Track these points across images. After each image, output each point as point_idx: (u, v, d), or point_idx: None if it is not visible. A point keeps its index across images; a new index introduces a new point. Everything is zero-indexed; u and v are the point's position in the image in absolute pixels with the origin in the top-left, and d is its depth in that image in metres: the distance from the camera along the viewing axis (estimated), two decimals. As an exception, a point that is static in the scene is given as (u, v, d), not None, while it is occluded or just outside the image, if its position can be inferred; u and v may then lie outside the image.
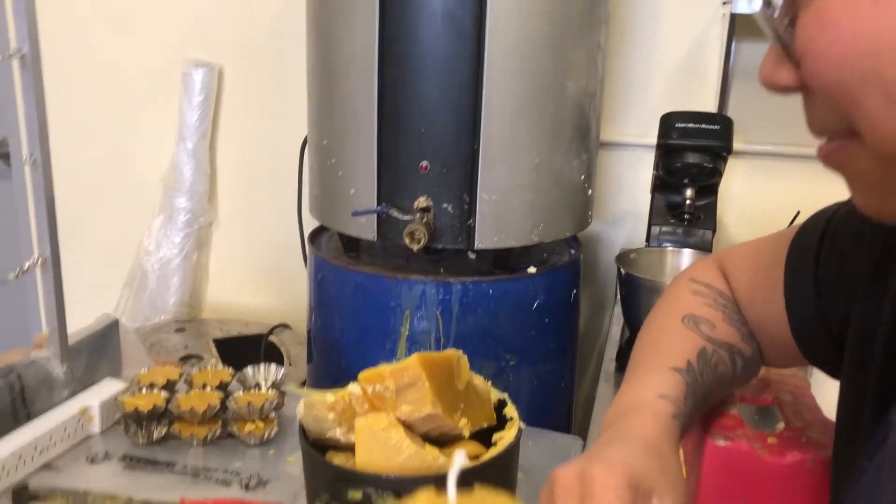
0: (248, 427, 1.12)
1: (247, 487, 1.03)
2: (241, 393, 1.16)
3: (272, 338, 1.99)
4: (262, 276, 2.19)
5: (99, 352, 1.25)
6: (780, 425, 0.57)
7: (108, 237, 2.18)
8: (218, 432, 1.13)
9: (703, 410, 0.60)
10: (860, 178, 0.43)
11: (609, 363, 1.48)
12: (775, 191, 1.78)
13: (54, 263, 1.10)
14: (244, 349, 1.82)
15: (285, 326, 2.06)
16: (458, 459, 0.42)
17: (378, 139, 1.35)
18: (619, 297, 1.60)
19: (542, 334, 1.51)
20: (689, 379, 0.59)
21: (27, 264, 1.07)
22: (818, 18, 0.39)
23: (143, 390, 1.15)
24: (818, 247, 0.61)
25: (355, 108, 1.37)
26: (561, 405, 1.61)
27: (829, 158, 0.45)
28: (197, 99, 1.99)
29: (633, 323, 1.48)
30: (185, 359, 1.39)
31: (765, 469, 0.53)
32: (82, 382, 1.19)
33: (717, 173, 1.53)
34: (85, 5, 2.10)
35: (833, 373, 0.58)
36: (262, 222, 2.14)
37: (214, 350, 1.89)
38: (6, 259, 2.43)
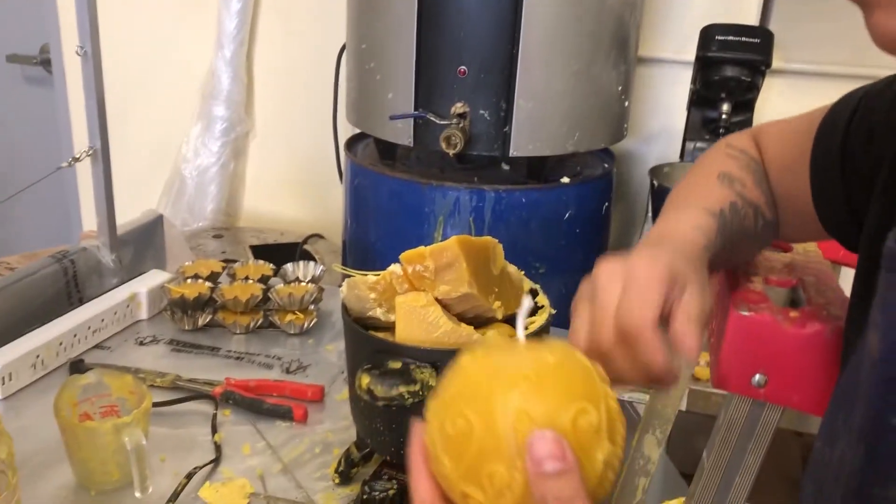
0: (289, 317, 1.18)
1: (287, 371, 1.09)
2: (281, 285, 1.21)
3: (306, 247, 2.03)
4: (298, 186, 2.23)
5: (145, 244, 1.30)
6: (803, 303, 0.60)
7: (147, 143, 2.22)
8: (260, 321, 1.18)
9: (729, 257, 0.64)
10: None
11: (637, 274, 1.51)
12: (811, 109, 1.77)
13: (104, 154, 1.14)
14: (279, 256, 1.87)
15: (319, 236, 2.10)
16: (527, 302, 0.47)
17: (417, 42, 1.36)
18: (650, 212, 1.62)
19: (572, 245, 1.54)
20: (720, 221, 0.62)
21: (80, 153, 1.11)
22: None
23: (189, 280, 1.20)
24: (848, 122, 0.63)
25: (395, 12, 1.37)
26: (588, 315, 1.65)
27: None
28: (235, 7, 2.00)
29: (663, 235, 1.49)
30: (224, 262, 1.45)
31: (785, 339, 0.56)
32: (130, 272, 1.25)
33: (754, 88, 1.52)
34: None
35: (852, 248, 0.60)
36: (298, 132, 2.16)
37: (251, 255, 1.95)
38: (46, 165, 2.49)
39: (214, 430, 0.94)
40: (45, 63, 2.40)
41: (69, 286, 1.15)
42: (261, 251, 2.01)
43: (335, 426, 0.97)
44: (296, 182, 2.23)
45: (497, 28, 1.32)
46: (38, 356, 1.02)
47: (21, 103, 2.53)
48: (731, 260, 0.67)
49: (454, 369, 0.46)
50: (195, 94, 2.10)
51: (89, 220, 2.42)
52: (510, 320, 0.85)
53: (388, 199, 1.53)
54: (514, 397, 0.42)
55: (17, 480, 0.72)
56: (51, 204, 2.44)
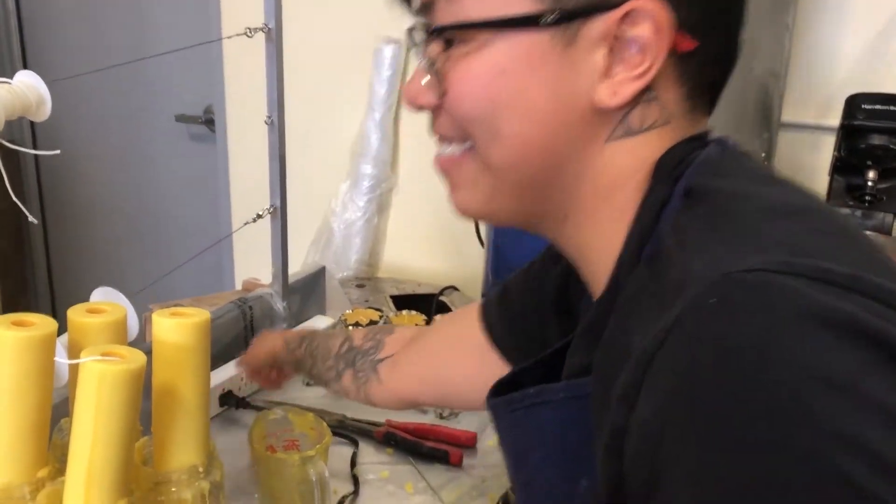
0: (441, 366, 1.25)
1: (441, 416, 1.16)
2: (434, 336, 1.29)
3: (442, 298, 2.12)
4: (435, 241, 2.34)
5: (309, 293, 1.41)
6: None
7: (301, 198, 2.38)
8: (414, 369, 1.26)
9: None
10: (467, 181, 0.63)
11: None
12: None
13: (282, 212, 1.27)
14: (417, 306, 1.97)
15: (454, 288, 2.19)
16: None
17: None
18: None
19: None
20: None
21: (263, 211, 1.23)
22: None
23: (350, 328, 1.30)
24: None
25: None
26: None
27: (444, 163, 0.66)
28: (386, 73, 2.15)
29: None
30: (375, 309, 1.56)
31: None
32: (296, 318, 1.36)
33: (902, 156, 1.51)
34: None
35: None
36: (438, 191, 2.27)
37: (392, 305, 2.05)
38: (206, 216, 2.71)
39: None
40: (209, 122, 2.63)
41: (246, 330, 1.27)
42: (400, 300, 2.11)
43: (488, 472, 1.03)
44: (433, 236, 2.34)
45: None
46: (224, 390, 1.13)
47: (186, 158, 2.77)
48: None
49: None
50: (345, 153, 2.25)
51: (240, 266, 2.60)
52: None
53: (529, 257, 1.59)
54: None
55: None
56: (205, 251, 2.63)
